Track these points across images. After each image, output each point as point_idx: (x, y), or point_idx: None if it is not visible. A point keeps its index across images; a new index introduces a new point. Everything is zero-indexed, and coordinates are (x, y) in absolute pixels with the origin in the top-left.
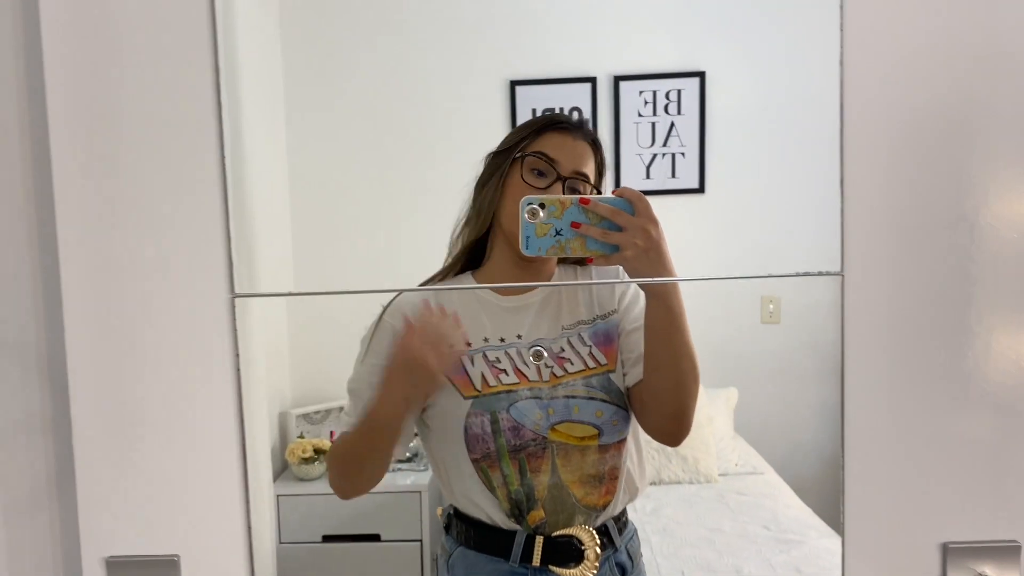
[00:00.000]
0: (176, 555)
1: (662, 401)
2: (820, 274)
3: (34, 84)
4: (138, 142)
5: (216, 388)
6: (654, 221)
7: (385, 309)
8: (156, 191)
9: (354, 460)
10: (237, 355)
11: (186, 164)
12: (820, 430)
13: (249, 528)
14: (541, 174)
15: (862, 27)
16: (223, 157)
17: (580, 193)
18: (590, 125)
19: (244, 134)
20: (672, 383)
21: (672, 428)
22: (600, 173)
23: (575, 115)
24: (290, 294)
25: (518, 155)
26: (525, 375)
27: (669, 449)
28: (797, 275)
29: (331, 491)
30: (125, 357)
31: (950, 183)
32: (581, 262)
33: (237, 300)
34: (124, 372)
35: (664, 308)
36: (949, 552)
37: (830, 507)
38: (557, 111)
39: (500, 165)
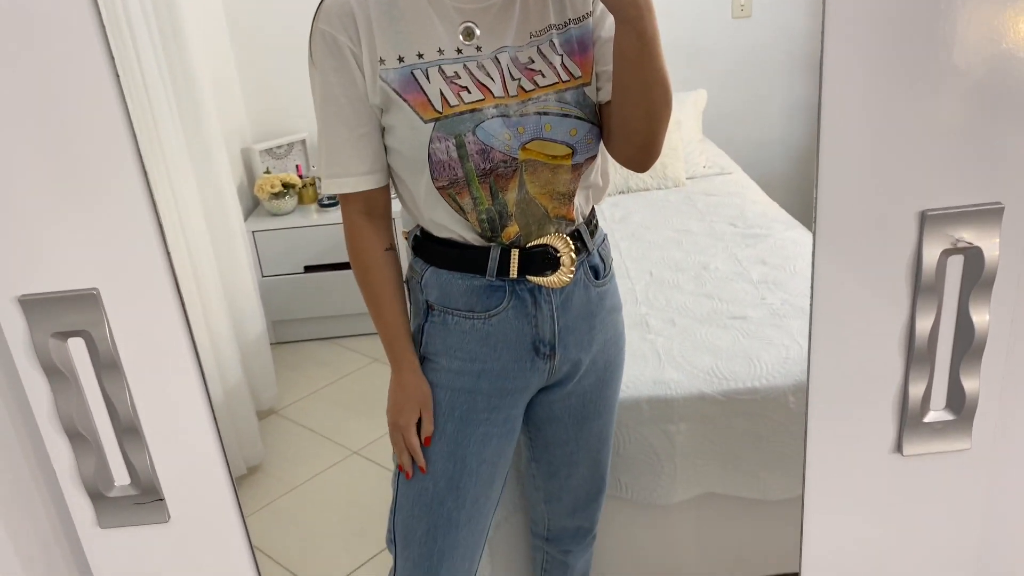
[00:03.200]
0: (95, 288)
1: (631, 130)
2: None
3: None
4: None
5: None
6: None
7: (316, 17)
8: None
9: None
10: (111, 54)
11: None
12: (789, 126)
13: (168, 257)
14: None
15: None
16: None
17: None
18: None
19: None
20: (642, 112)
21: (640, 157)
22: None
23: None
24: None
25: None
26: (490, 90)
27: None
28: None
29: (306, 223)
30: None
31: None
32: None
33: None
34: (23, 116)
35: (635, 34)
36: (927, 220)
37: (796, 201)
38: None
39: None
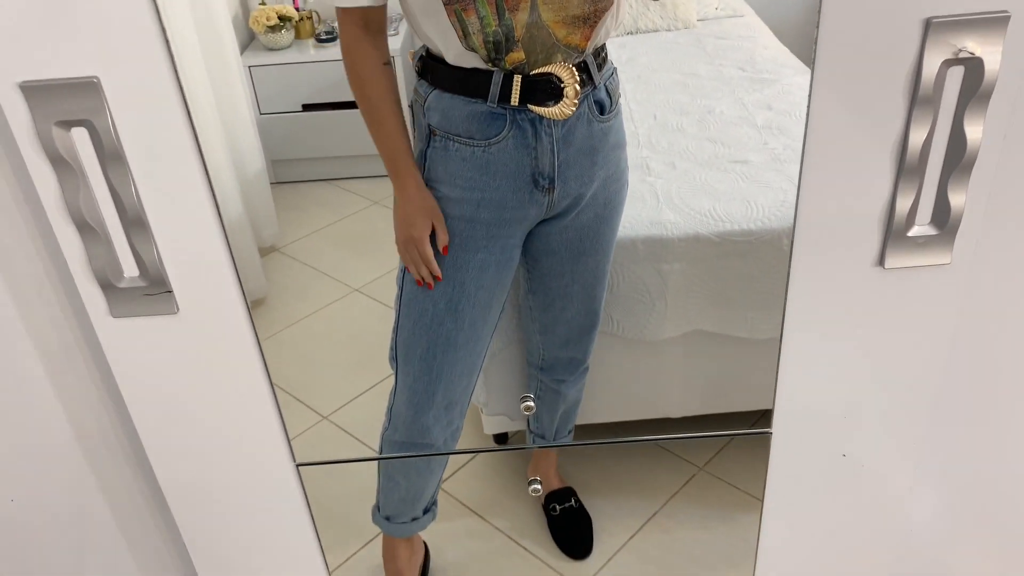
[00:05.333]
0: (95, 76)
1: None
2: None
3: None
4: None
5: None
6: None
7: None
8: None
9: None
10: None
11: None
12: None
13: (169, 48)
14: None
15: None
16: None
17: None
18: None
19: None
20: None
21: None
22: None
23: None
24: None
25: None
26: None
27: None
28: None
29: (303, 59)
30: None
31: None
32: None
33: None
34: None
35: None
36: (931, 27)
37: (808, 47)
38: None
39: None
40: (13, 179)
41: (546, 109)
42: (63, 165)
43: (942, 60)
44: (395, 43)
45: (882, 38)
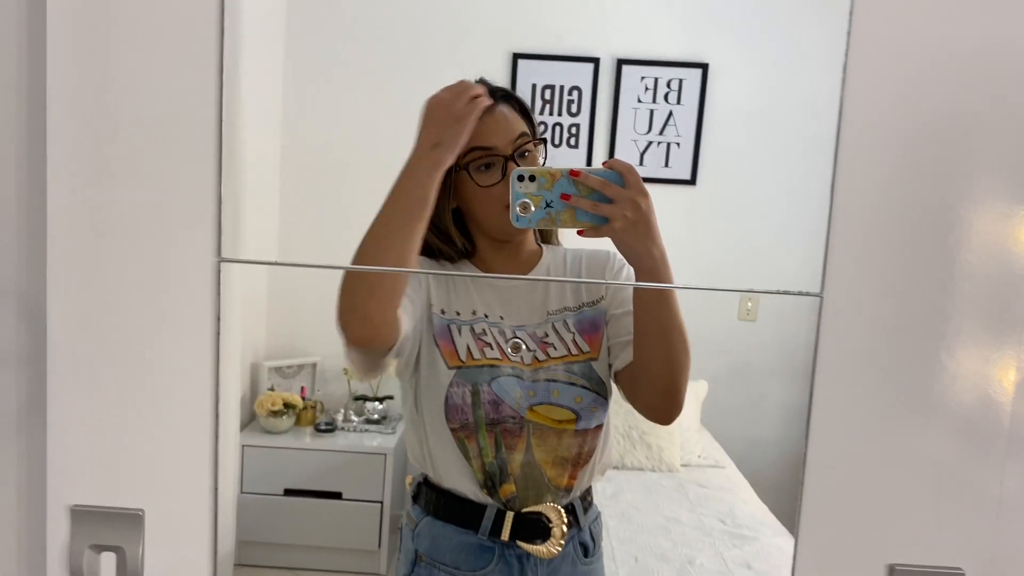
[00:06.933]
0: (141, 509)
1: (653, 377)
2: (800, 294)
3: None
4: (134, 102)
5: (194, 347)
6: (644, 193)
7: None
8: (150, 150)
9: (375, 249)
10: (218, 318)
11: (182, 124)
12: (784, 429)
13: (216, 489)
14: (488, 167)
15: (869, 37)
16: (220, 120)
17: (529, 156)
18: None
19: (241, 99)
20: (663, 358)
21: (664, 405)
22: (528, 117)
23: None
24: (275, 263)
25: (457, 168)
26: (508, 355)
27: (634, 435)
28: (777, 292)
29: (297, 446)
30: (107, 304)
31: (937, 215)
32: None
33: (222, 264)
34: (105, 318)
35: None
36: (895, 574)
37: (786, 506)
38: (553, 89)
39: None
40: None
41: (534, 547)
42: None
43: None
44: (390, 441)
45: (853, 572)
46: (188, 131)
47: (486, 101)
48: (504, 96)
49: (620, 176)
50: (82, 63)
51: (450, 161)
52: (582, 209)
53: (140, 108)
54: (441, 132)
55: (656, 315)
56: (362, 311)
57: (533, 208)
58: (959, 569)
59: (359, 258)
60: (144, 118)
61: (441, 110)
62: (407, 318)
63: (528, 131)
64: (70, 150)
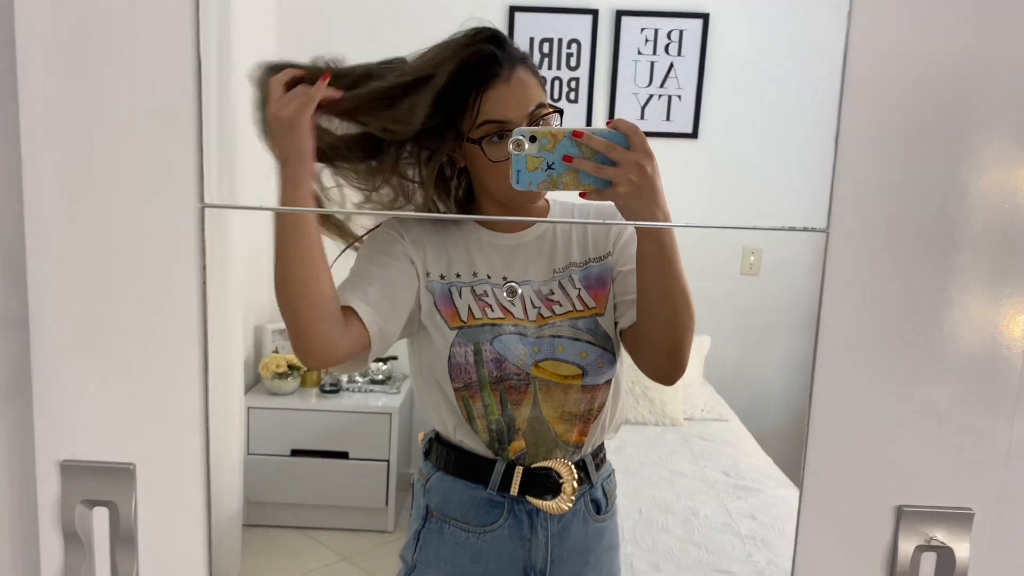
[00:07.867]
0: (132, 463)
1: (656, 339)
2: (805, 230)
3: None
4: (109, 46)
5: (181, 298)
6: (650, 156)
7: (378, 225)
8: (127, 96)
9: (284, 271)
10: (203, 267)
11: (160, 65)
12: (787, 382)
13: (207, 441)
14: (501, 137)
15: None
16: (198, 58)
17: (543, 123)
18: (514, 42)
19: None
20: (665, 320)
21: (667, 367)
22: (541, 82)
23: (484, 37)
24: (260, 207)
25: (470, 140)
26: (511, 312)
27: (637, 389)
28: (782, 229)
29: (302, 407)
30: (89, 259)
31: (946, 148)
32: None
33: (208, 211)
34: (87, 275)
35: (655, 244)
36: (903, 515)
37: (790, 458)
38: (551, 42)
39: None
40: (21, 548)
41: (543, 502)
42: (74, 541)
43: (915, 546)
44: (395, 401)
45: (859, 516)
46: (166, 72)
47: (314, 95)
48: (522, 59)
49: (625, 137)
50: (57, 1)
51: (307, 170)
52: (585, 171)
53: (116, 51)
54: (282, 146)
55: (658, 277)
56: (306, 339)
57: (534, 170)
58: (968, 509)
59: (278, 290)
60: (120, 61)
61: (275, 123)
62: (382, 320)
63: (543, 99)
64: (42, 97)
